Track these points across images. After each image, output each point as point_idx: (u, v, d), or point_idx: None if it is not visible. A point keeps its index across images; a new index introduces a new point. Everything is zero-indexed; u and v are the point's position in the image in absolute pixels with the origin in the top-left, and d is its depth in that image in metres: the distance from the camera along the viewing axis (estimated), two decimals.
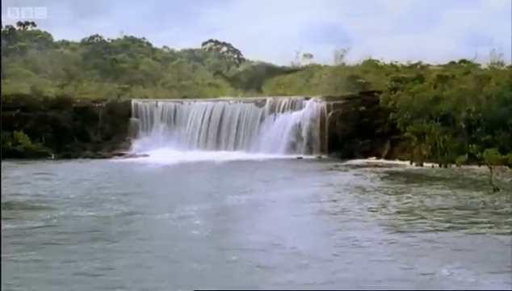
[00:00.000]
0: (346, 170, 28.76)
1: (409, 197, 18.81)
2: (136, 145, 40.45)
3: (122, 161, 36.56)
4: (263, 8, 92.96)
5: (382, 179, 24.87)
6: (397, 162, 33.47)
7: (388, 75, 40.74)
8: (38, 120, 39.89)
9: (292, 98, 41.37)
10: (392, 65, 44.91)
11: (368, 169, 29.44)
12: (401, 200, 18.21)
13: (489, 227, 13.80)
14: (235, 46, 70.17)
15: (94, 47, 61.17)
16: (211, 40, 70.37)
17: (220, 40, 70.50)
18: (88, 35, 62.97)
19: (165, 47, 65.63)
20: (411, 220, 14.82)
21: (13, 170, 26.75)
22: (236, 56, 70.15)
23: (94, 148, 40.51)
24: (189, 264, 10.51)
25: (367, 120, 37.21)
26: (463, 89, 33.08)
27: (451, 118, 32.34)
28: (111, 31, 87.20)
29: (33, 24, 60.61)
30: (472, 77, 35.10)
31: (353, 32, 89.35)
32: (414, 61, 43.93)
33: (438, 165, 30.69)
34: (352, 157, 35.94)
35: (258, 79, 56.49)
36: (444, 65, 43.30)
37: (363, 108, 38.00)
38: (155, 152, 38.55)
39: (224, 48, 70.83)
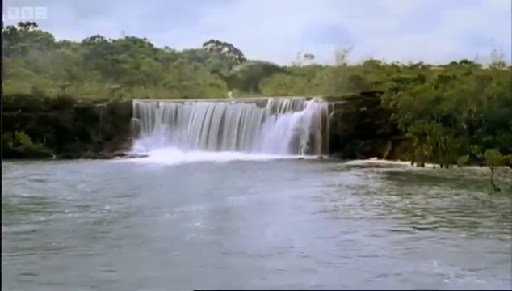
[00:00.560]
0: (347, 171, 28.73)
1: (411, 197, 18.79)
2: (137, 145, 40.46)
3: (123, 161, 36.59)
4: (264, 8, 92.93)
5: (383, 179, 24.86)
6: (399, 162, 33.44)
7: (390, 75, 40.73)
8: (39, 121, 39.94)
9: (294, 98, 41.35)
10: (394, 66, 44.88)
11: (370, 169, 29.41)
12: (403, 201, 18.19)
13: (490, 227, 13.79)
14: (236, 46, 70.36)
15: (96, 47, 61.25)
16: (212, 41, 70.48)
17: (222, 40, 70.68)
18: (89, 36, 63.20)
19: (166, 47, 65.75)
20: (411, 220, 14.81)
21: (13, 171, 26.74)
22: (237, 56, 70.21)
23: (95, 148, 40.54)
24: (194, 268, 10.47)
25: (368, 120, 37.18)
26: (464, 89, 33.04)
27: (453, 118, 32.31)
28: (112, 32, 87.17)
29: (34, 25, 60.79)
30: (473, 77, 35.07)
31: (354, 33, 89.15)
32: (416, 62, 43.94)
33: (439, 165, 30.65)
34: (353, 157, 35.92)
35: (256, 79, 56.57)
36: (445, 66, 43.25)
37: (364, 109, 37.99)
38: (156, 152, 38.54)
39: (226, 49, 70.90)
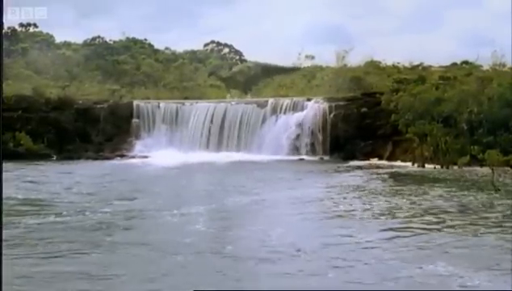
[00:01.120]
0: (348, 172, 28.74)
1: (412, 198, 18.79)
2: (137, 146, 40.48)
3: (124, 162, 36.61)
4: (265, 9, 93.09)
5: (384, 180, 24.84)
6: (399, 163, 33.46)
7: (390, 76, 40.75)
8: (40, 122, 39.98)
9: (294, 99, 41.40)
10: (394, 67, 44.92)
11: (370, 170, 29.42)
12: (404, 201, 18.17)
13: (491, 226, 13.80)
14: (237, 47, 70.34)
15: (96, 48, 61.27)
16: (212, 42, 70.46)
17: (222, 41, 70.68)
18: (90, 37, 63.22)
19: (166, 48, 65.74)
20: (412, 220, 14.80)
21: (13, 171, 26.73)
22: (237, 57, 70.18)
23: (95, 149, 40.57)
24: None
25: (368, 121, 37.22)
26: (464, 90, 33.06)
27: (453, 119, 32.32)
28: (112, 33, 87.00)
29: (35, 25, 60.86)
30: (473, 78, 35.09)
31: (355, 33, 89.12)
32: (416, 62, 44.02)
33: (439, 166, 30.66)
34: (354, 158, 35.96)
35: (256, 79, 56.59)
36: (446, 67, 43.26)
37: (364, 109, 38.03)
38: (157, 153, 38.57)
39: (226, 50, 70.88)
